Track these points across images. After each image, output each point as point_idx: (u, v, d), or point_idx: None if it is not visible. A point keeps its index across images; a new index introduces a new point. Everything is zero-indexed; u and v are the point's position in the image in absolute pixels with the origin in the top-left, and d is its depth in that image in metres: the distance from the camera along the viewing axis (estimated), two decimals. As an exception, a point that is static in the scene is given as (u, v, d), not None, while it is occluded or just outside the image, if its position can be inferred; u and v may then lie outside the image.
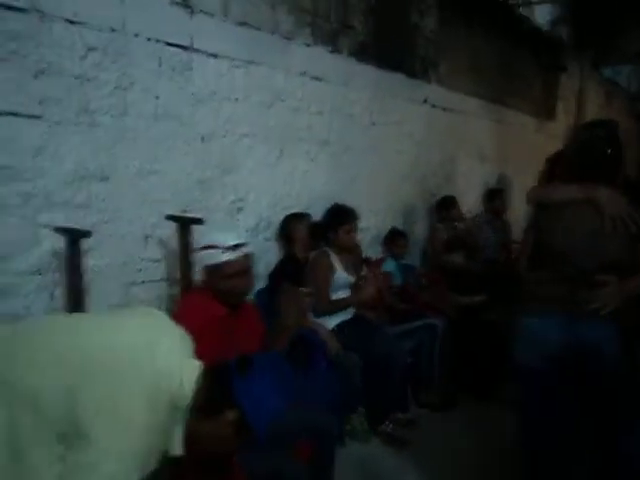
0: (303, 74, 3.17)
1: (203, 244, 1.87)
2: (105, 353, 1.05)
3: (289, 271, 2.83)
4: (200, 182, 2.59)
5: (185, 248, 2.14)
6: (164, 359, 1.08)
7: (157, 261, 2.43)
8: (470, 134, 5.19)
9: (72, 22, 2.03)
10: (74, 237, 1.90)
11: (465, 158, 5.17)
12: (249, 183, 2.86)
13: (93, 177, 2.14)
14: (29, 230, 1.96)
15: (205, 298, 1.87)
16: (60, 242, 1.94)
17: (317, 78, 3.27)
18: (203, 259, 1.88)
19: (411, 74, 4.18)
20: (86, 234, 1.94)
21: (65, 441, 1.00)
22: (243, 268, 1.86)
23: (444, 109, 4.70)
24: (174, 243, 2.39)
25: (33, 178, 1.96)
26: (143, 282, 2.38)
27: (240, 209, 2.82)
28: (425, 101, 4.43)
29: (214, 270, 1.83)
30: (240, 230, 2.73)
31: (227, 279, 1.82)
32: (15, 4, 1.86)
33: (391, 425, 2.87)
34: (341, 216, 2.96)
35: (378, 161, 3.91)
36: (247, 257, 1.89)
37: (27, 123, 1.95)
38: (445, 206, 4.28)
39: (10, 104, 1.89)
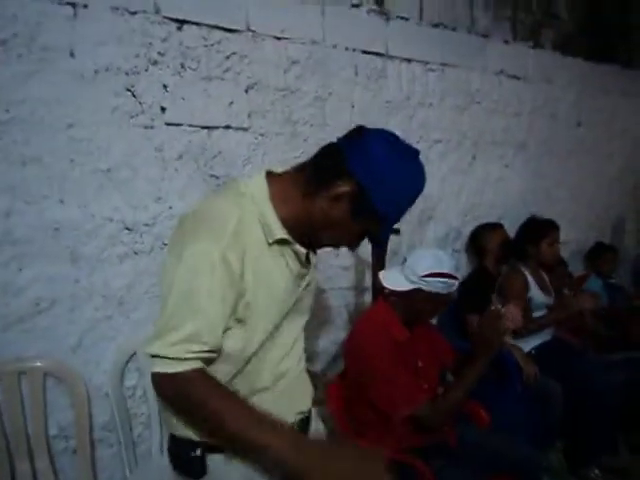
0: (500, 73, 2.95)
1: (438, 271, 1.71)
2: None
3: (480, 284, 2.64)
4: (390, 190, 2.54)
5: (379, 257, 2.09)
6: None
7: (346, 269, 2.44)
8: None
9: (279, 38, 2.14)
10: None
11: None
12: (440, 191, 2.74)
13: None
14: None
15: (388, 318, 1.79)
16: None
17: (515, 77, 3.02)
18: (436, 286, 1.71)
19: (627, 64, 3.64)
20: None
21: None
22: (450, 298, 1.82)
23: (668, 103, 4.01)
24: (363, 251, 2.38)
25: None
26: (332, 289, 2.42)
27: (430, 218, 2.71)
28: (643, 95, 3.82)
29: (439, 298, 1.73)
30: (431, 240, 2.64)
31: (435, 306, 1.78)
32: (232, 26, 2.01)
33: (597, 470, 2.48)
34: (542, 228, 2.66)
35: (583, 166, 3.48)
36: None
37: (237, 135, 2.09)
38: None
39: (225, 118, 2.05)
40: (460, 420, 1.88)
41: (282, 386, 1.07)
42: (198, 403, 0.89)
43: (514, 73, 3.00)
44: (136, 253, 1.90)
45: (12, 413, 1.72)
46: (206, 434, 0.96)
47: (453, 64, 2.70)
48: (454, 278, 1.73)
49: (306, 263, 1.08)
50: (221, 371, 0.97)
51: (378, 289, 2.13)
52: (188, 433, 1.01)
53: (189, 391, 0.88)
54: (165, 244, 1.94)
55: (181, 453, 1.04)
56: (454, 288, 1.76)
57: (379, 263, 2.08)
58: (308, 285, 1.11)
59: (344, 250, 2.43)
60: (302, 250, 1.04)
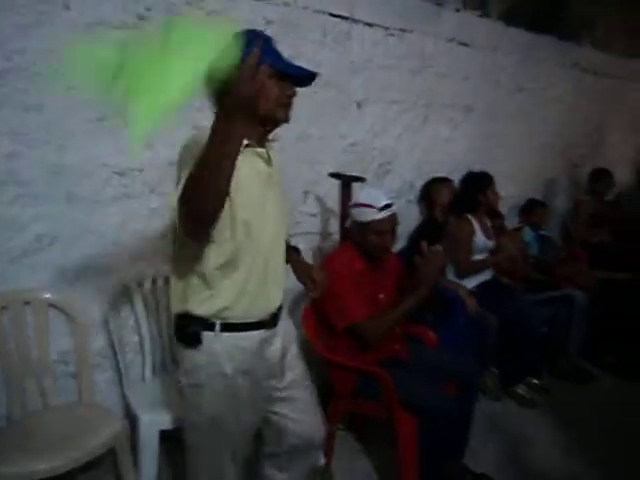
0: (452, 40, 3.21)
1: (358, 202, 2.05)
2: None
3: (429, 232, 2.97)
4: (353, 145, 2.80)
5: (346, 204, 2.36)
6: None
7: (313, 215, 2.70)
8: (624, 101, 4.84)
9: (256, -1, 2.30)
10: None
11: (615, 128, 4.84)
12: (396, 148, 3.02)
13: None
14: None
15: (350, 253, 2.09)
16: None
17: (465, 44, 3.29)
18: (357, 215, 2.05)
19: (563, 36, 4.00)
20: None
21: None
22: (390, 226, 2.05)
23: (595, 73, 4.43)
24: (329, 199, 2.65)
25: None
26: (301, 234, 2.67)
27: (387, 172, 2.99)
28: (575, 65, 4.21)
29: (365, 226, 2.02)
30: (387, 191, 2.91)
31: (375, 235, 2.02)
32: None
33: (524, 388, 2.93)
34: (485, 179, 3.03)
35: (521, 129, 3.85)
36: (393, 216, 2.06)
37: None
38: (598, 178, 4.08)
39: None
40: (413, 340, 2.23)
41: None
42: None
43: (464, 40, 3.28)
44: (127, 196, 2.07)
45: (18, 338, 1.90)
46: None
47: (410, 29, 2.94)
48: (370, 207, 1.99)
49: (269, 164, 1.43)
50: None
51: (344, 232, 2.41)
52: (189, 310, 1.38)
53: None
54: (153, 190, 2.13)
55: (183, 328, 1.40)
56: (378, 216, 1.98)
57: (344, 209, 2.34)
58: (275, 180, 1.45)
59: (312, 199, 2.70)
60: (261, 149, 1.40)
